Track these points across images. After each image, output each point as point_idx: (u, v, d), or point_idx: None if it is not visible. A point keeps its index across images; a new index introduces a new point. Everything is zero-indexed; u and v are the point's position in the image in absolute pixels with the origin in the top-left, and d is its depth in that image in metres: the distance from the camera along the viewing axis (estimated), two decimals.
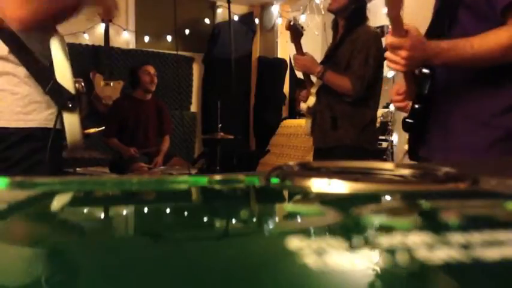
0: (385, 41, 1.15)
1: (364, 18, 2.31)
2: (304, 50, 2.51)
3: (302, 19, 4.49)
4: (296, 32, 2.46)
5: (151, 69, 3.61)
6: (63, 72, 1.13)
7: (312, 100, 2.47)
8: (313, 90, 2.46)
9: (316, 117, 2.48)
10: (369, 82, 2.26)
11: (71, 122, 1.15)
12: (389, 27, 1.15)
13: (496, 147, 1.20)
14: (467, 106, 1.25)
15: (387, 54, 1.16)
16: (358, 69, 2.23)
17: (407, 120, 1.33)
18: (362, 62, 2.25)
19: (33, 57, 1.12)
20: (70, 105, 1.13)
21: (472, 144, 1.24)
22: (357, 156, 2.30)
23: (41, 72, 1.12)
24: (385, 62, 1.27)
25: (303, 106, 2.58)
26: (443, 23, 1.25)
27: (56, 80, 1.12)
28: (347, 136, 2.31)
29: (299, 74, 2.64)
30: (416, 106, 1.30)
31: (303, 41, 2.57)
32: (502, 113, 1.21)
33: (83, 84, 1.21)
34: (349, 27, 2.30)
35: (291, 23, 2.42)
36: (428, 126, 1.32)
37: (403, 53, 1.11)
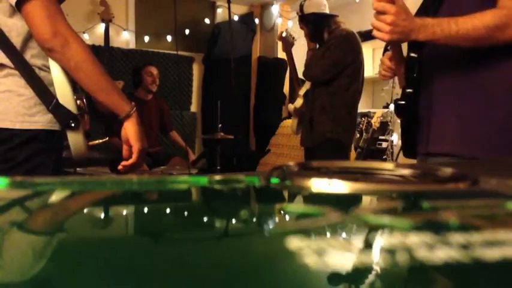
0: (372, 6, 1.15)
1: (329, 30, 2.53)
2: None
3: None
4: (287, 42, 2.73)
5: (155, 70, 3.62)
6: (64, 91, 1.13)
7: (299, 102, 2.59)
8: (301, 92, 2.59)
9: (303, 118, 2.59)
10: (333, 67, 2.44)
11: (75, 139, 1.16)
12: None
13: (489, 140, 1.19)
14: (453, 96, 1.24)
15: (372, 21, 1.16)
16: (325, 54, 2.46)
17: (399, 102, 1.33)
18: (330, 48, 2.46)
19: (36, 76, 1.12)
20: (73, 125, 1.14)
21: (461, 136, 1.23)
22: (338, 151, 2.49)
23: (43, 92, 1.13)
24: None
25: (290, 107, 2.73)
26: (432, 4, 1.26)
27: (57, 100, 1.13)
28: (326, 130, 2.47)
29: (300, 75, 2.75)
30: (408, 90, 1.31)
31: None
32: (495, 105, 1.19)
33: (84, 100, 1.22)
34: (323, 45, 2.56)
35: (283, 35, 2.66)
36: (417, 112, 1.32)
37: (388, 18, 1.11)
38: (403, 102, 1.32)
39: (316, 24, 2.49)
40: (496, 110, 1.19)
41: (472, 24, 1.11)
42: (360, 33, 2.64)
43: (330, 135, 2.45)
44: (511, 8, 1.11)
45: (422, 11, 1.22)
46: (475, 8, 1.15)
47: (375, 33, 1.16)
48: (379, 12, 1.12)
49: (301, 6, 2.52)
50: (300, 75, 2.74)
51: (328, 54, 2.44)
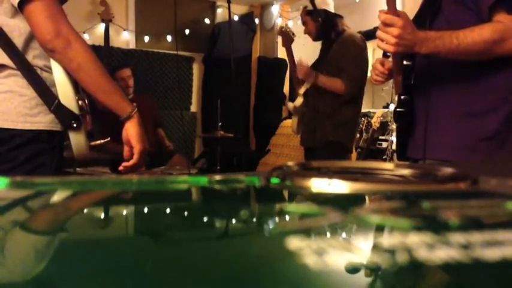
0: (379, 18, 1.16)
1: (337, 30, 2.52)
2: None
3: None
4: (287, 37, 2.71)
5: (126, 73, 3.55)
6: (65, 92, 1.13)
7: (299, 101, 2.60)
8: (301, 91, 2.60)
9: (304, 117, 2.63)
10: (361, 82, 2.47)
11: (77, 139, 1.16)
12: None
13: (484, 146, 1.21)
14: (448, 102, 1.27)
15: (378, 33, 1.16)
16: (349, 71, 2.42)
17: (398, 109, 1.35)
18: (352, 64, 2.44)
19: (37, 77, 1.12)
20: (75, 125, 1.14)
21: (456, 142, 1.25)
22: (338, 152, 2.50)
23: (44, 93, 1.12)
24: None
25: (290, 106, 2.72)
26: (427, 14, 1.27)
27: (59, 100, 1.13)
28: (328, 132, 2.48)
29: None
30: (402, 97, 1.33)
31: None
32: (487, 112, 1.22)
33: (86, 101, 1.22)
34: (328, 44, 2.55)
35: (283, 29, 2.65)
36: (414, 118, 1.34)
37: (395, 30, 1.12)
38: (402, 109, 1.34)
39: (326, 22, 2.50)
40: (490, 117, 1.21)
41: (472, 38, 1.13)
42: (359, 33, 2.64)
43: (332, 138, 2.47)
44: (506, 22, 1.13)
45: (418, 21, 1.23)
46: (471, 20, 1.17)
47: (380, 44, 1.17)
48: (386, 25, 1.13)
49: (313, 0, 2.53)
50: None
51: (353, 72, 2.44)
